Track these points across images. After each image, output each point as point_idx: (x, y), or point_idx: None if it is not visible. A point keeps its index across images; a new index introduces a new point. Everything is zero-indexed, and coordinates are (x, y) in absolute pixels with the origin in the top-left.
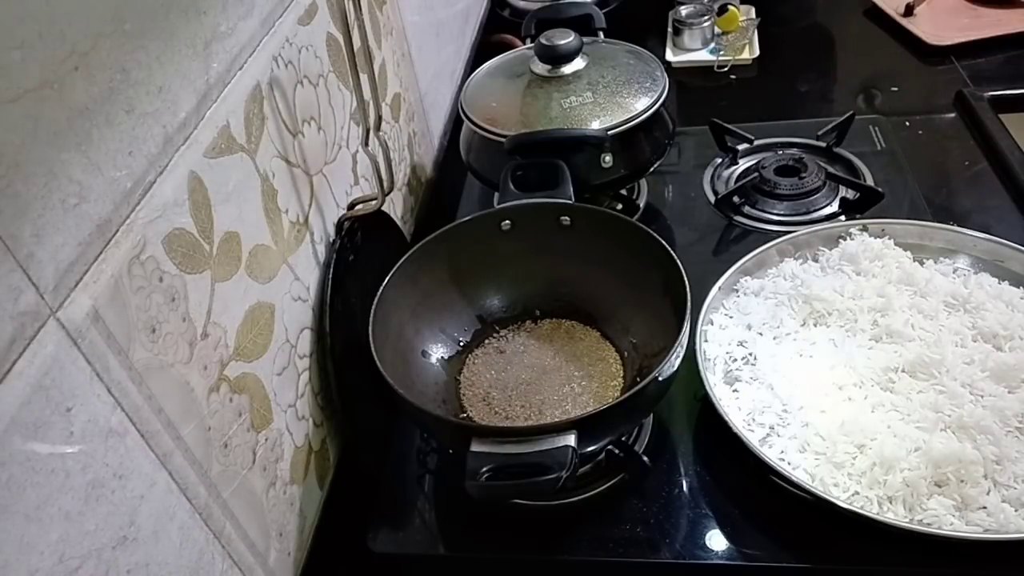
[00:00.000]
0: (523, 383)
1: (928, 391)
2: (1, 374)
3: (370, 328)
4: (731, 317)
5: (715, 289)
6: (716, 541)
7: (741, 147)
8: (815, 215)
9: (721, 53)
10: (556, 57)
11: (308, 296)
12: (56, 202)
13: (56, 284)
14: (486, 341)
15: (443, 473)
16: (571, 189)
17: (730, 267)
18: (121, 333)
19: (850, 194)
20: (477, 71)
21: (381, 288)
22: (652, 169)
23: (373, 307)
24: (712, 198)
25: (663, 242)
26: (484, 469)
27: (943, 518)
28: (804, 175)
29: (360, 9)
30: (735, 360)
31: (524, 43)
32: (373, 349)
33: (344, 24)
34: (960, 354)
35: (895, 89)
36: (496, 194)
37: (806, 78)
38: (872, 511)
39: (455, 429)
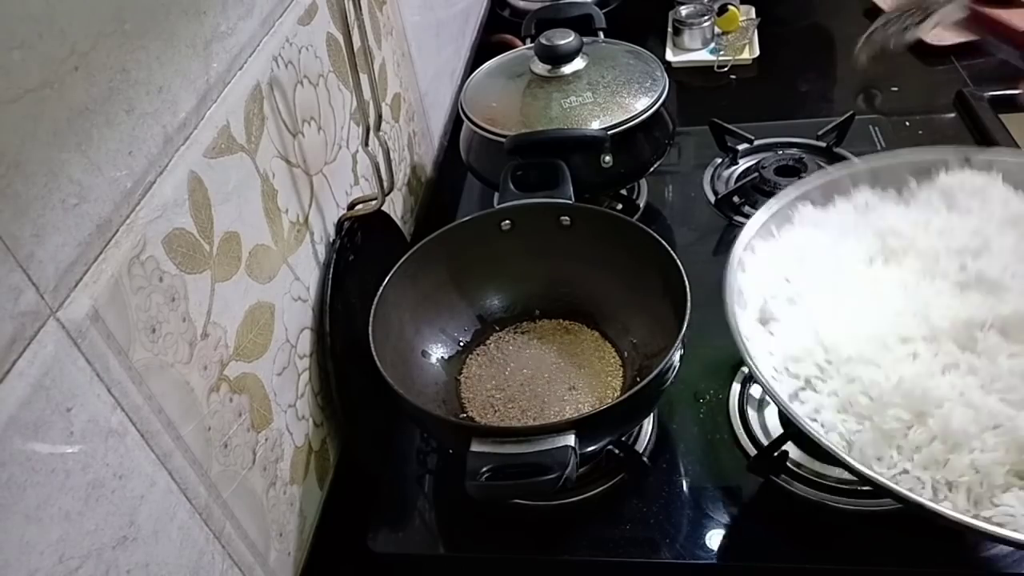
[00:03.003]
0: (523, 383)
1: (1022, 356)
2: (1, 374)
3: (370, 328)
4: (779, 247)
5: (763, 212)
6: (716, 541)
7: (741, 147)
8: None
9: (721, 53)
10: (556, 57)
11: (308, 296)
12: (56, 202)
13: (56, 284)
14: (486, 341)
15: (443, 473)
16: (571, 189)
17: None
18: (121, 333)
19: None
20: (477, 71)
21: (381, 288)
22: (652, 169)
23: (373, 307)
24: (712, 198)
25: (663, 242)
26: (484, 469)
27: (1020, 519)
28: (804, 175)
29: (360, 9)
30: (775, 298)
31: (524, 43)
32: (373, 349)
33: (344, 24)
34: None
35: (895, 89)
36: (496, 194)
37: (806, 78)
38: (924, 496)
39: (455, 429)
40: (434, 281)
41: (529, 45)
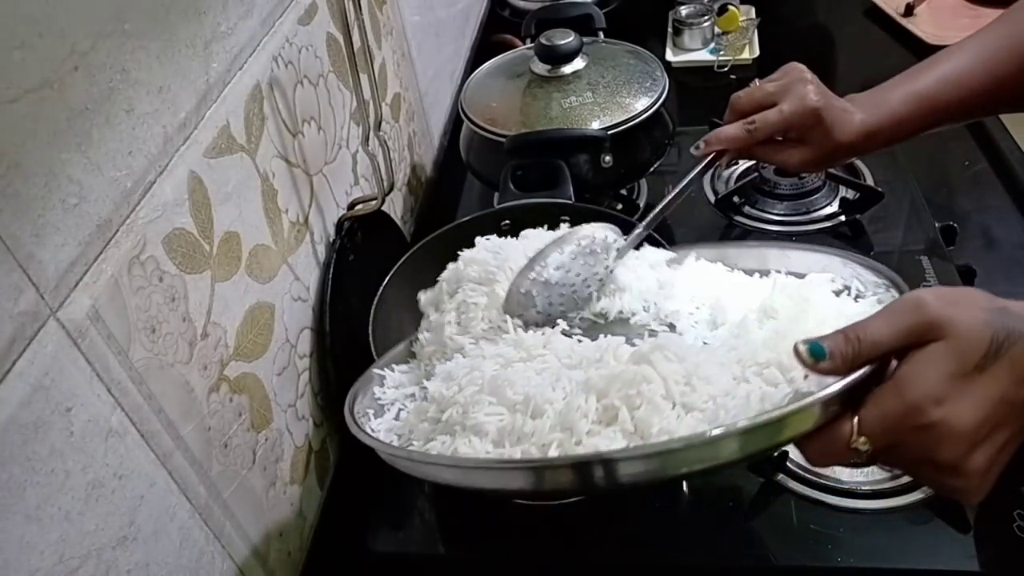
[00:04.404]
0: None
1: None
2: (1, 374)
3: (370, 328)
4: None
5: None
6: (716, 541)
7: None
8: (815, 215)
9: (721, 53)
10: (556, 57)
11: (308, 296)
12: (56, 202)
13: (56, 284)
14: None
15: None
16: (571, 189)
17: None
18: (121, 333)
19: (850, 194)
20: (477, 71)
21: (381, 288)
22: (652, 169)
23: (373, 307)
24: (712, 198)
25: (663, 242)
26: None
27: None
28: (804, 175)
29: (360, 9)
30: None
31: (524, 43)
32: (373, 349)
33: (344, 24)
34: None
35: None
36: (496, 194)
37: None
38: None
39: None
40: (435, 282)
41: (529, 45)
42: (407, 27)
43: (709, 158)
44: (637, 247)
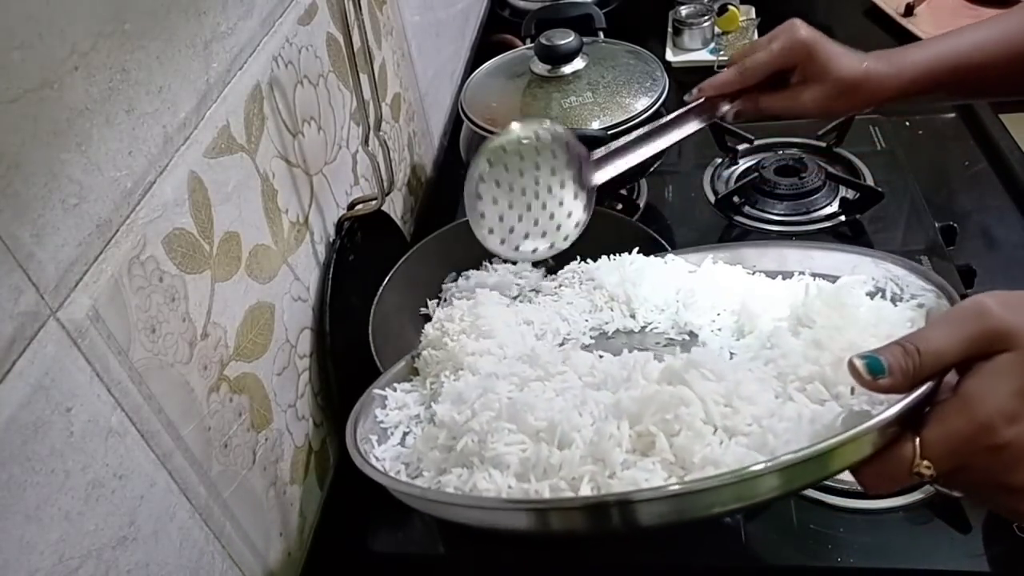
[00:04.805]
0: None
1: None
2: (1, 374)
3: (370, 328)
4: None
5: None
6: (716, 541)
7: (741, 147)
8: (815, 215)
9: (721, 53)
10: (556, 57)
11: (308, 296)
12: (56, 202)
13: (56, 284)
14: None
15: None
16: None
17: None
18: (121, 333)
19: (850, 194)
20: (477, 71)
21: (381, 288)
22: (652, 169)
23: (373, 307)
24: (712, 198)
25: (663, 242)
26: None
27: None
28: (804, 175)
29: (360, 9)
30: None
31: (524, 43)
32: (373, 349)
33: (344, 24)
34: None
35: None
36: None
37: None
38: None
39: None
40: (434, 281)
41: (529, 45)
42: (407, 27)
43: (697, 102)
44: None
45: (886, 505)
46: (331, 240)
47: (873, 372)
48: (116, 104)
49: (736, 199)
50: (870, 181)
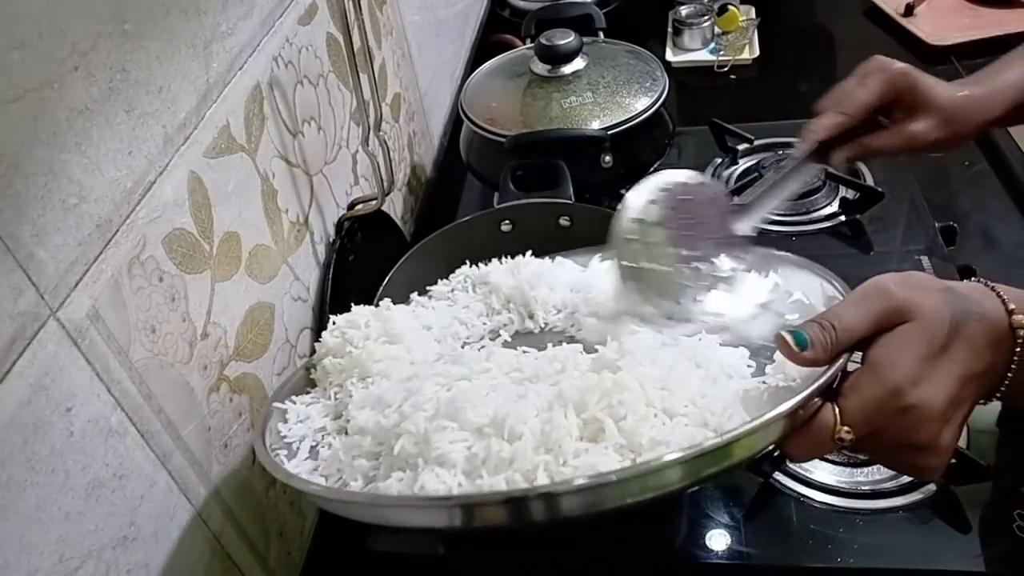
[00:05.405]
0: None
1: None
2: (1, 374)
3: None
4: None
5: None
6: (716, 541)
7: (741, 147)
8: (815, 215)
9: (721, 53)
10: (556, 57)
11: (308, 296)
12: (56, 202)
13: (56, 284)
14: None
15: None
16: (571, 189)
17: None
18: (121, 333)
19: (850, 194)
20: (477, 71)
21: (381, 288)
22: (652, 169)
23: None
24: None
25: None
26: None
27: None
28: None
29: (360, 9)
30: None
31: (524, 43)
32: None
33: (344, 24)
34: None
35: None
36: (496, 194)
37: (806, 78)
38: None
39: None
40: (434, 281)
41: (529, 45)
42: (407, 27)
43: (809, 148)
44: None
45: (886, 505)
46: (331, 240)
47: (800, 345)
48: (116, 104)
49: (736, 199)
50: (870, 181)
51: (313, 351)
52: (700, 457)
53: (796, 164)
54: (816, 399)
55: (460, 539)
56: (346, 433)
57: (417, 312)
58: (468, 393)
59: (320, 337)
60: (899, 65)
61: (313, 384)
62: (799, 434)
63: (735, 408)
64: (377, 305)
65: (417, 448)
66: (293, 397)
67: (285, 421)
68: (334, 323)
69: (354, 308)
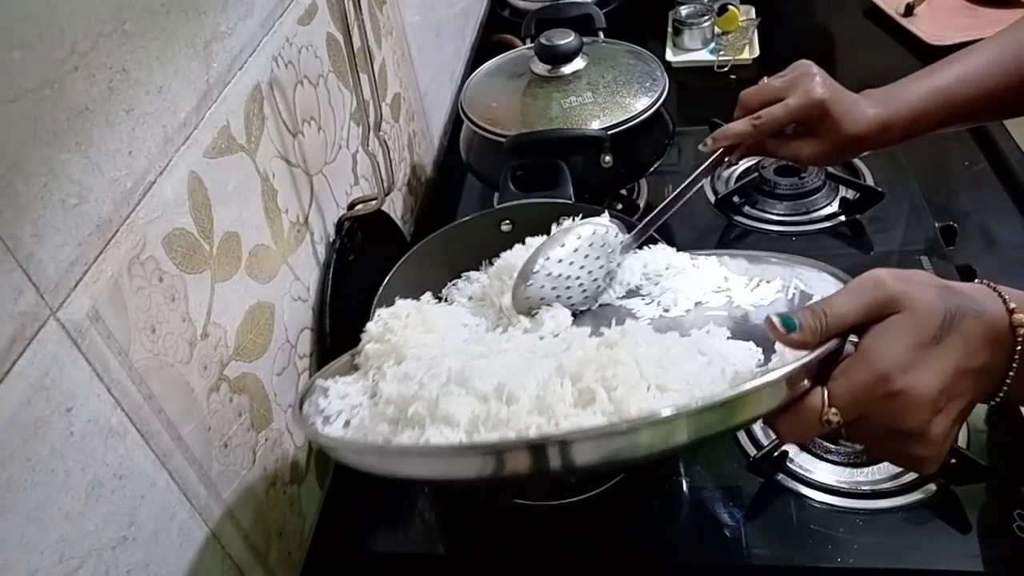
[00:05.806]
0: None
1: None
2: (1, 374)
3: None
4: None
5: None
6: (716, 541)
7: None
8: (815, 215)
9: (721, 53)
10: (556, 57)
11: (308, 296)
12: (56, 202)
13: (56, 284)
14: None
15: None
16: (571, 189)
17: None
18: (121, 333)
19: (850, 194)
20: (477, 71)
21: (381, 288)
22: (652, 169)
23: (373, 308)
24: (712, 198)
25: (663, 242)
26: None
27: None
28: (804, 175)
29: (360, 9)
30: None
31: (524, 43)
32: None
33: (344, 24)
34: None
35: None
36: (496, 194)
37: None
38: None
39: None
40: (434, 281)
41: (529, 45)
42: (407, 27)
43: (716, 154)
44: (640, 246)
45: (886, 505)
46: (331, 240)
47: (787, 327)
48: (116, 104)
49: (736, 199)
50: (870, 181)
51: (313, 351)
52: (680, 419)
53: (699, 174)
54: (805, 380)
55: (463, 491)
56: (378, 405)
57: (456, 310)
58: (479, 366)
59: (365, 328)
60: (820, 90)
61: (356, 369)
62: (788, 414)
63: (723, 385)
64: (376, 305)
65: (427, 410)
66: (336, 377)
67: (326, 397)
68: (379, 316)
69: (398, 302)
